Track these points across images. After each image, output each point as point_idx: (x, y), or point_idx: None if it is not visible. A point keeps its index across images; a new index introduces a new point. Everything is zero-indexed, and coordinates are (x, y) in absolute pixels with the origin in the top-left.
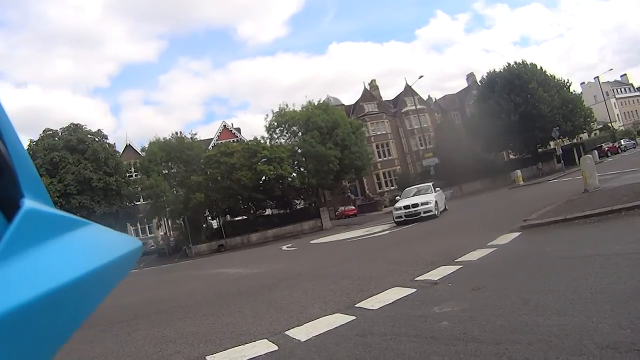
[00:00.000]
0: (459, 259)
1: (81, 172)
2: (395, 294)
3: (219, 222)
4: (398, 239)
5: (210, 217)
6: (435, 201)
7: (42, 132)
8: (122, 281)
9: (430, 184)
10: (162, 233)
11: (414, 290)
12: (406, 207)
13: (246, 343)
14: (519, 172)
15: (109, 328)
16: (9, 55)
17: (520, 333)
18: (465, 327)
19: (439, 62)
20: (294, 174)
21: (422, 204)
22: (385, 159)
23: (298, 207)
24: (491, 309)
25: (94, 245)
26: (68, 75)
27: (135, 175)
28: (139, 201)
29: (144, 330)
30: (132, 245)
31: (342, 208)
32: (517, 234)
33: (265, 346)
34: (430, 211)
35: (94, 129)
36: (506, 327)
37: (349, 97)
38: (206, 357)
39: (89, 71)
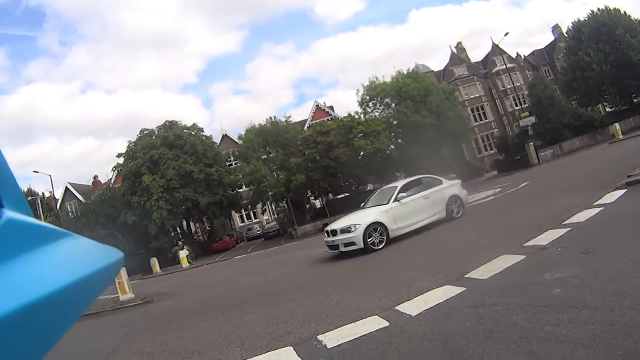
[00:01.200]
0: (566, 222)
1: (182, 166)
2: (504, 261)
3: (322, 201)
4: (502, 205)
5: (312, 197)
6: (372, 224)
7: (139, 132)
8: (232, 266)
9: (425, 177)
10: (266, 217)
11: (523, 257)
12: (332, 232)
13: (357, 320)
14: (617, 125)
15: (221, 313)
16: (95, 65)
17: (635, 298)
18: (577, 293)
19: (520, 17)
20: (392, 147)
21: (343, 230)
22: (481, 122)
23: (399, 179)
24: (603, 273)
25: (75, 256)
26: (156, 76)
27: (235, 164)
28: (241, 188)
29: (255, 313)
30: (113, 257)
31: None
32: (622, 191)
33: (376, 322)
34: (354, 244)
35: (188, 124)
36: (619, 292)
37: (437, 63)
38: (317, 337)
39: (176, 70)
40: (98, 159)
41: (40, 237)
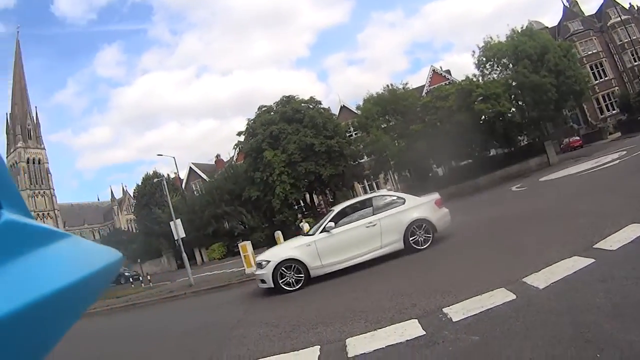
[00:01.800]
0: None
1: (302, 139)
2: (635, 231)
3: (444, 169)
4: (631, 169)
5: (434, 165)
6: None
7: (257, 109)
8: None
9: (378, 196)
10: (388, 187)
11: None
12: (257, 264)
13: (483, 293)
14: None
15: (345, 284)
16: (207, 50)
17: None
18: None
19: None
20: (513, 109)
21: (257, 265)
22: (601, 80)
23: (522, 144)
24: None
25: (73, 257)
26: (268, 54)
27: (355, 134)
28: (362, 159)
29: (379, 284)
30: (111, 258)
31: (567, 140)
32: None
33: (502, 295)
34: (265, 282)
35: (305, 98)
36: None
37: (550, 19)
38: (443, 309)
39: (287, 46)
40: (219, 138)
41: (39, 238)
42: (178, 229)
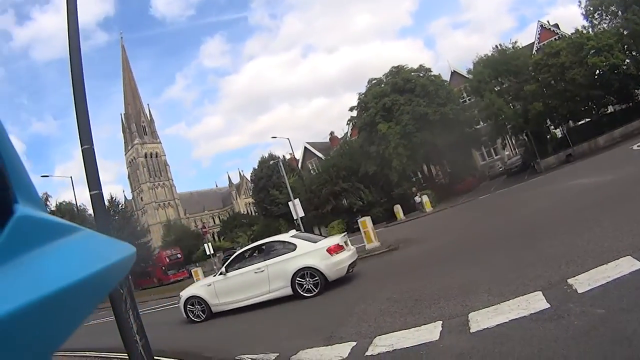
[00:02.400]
0: None
1: (415, 109)
2: None
3: (562, 130)
4: None
5: (552, 127)
6: None
7: (367, 83)
8: (475, 207)
9: (272, 241)
10: (507, 153)
11: None
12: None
13: (608, 262)
14: None
15: (467, 257)
16: (309, 29)
17: None
18: None
19: None
20: (627, 61)
21: (179, 297)
22: None
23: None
24: None
25: (86, 251)
26: (372, 26)
27: (468, 99)
28: (478, 125)
29: (503, 255)
30: (125, 252)
31: None
32: None
33: (628, 264)
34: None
35: (414, 67)
36: None
37: None
38: (567, 280)
39: (389, 15)
40: (331, 116)
41: (53, 232)
42: (297, 209)
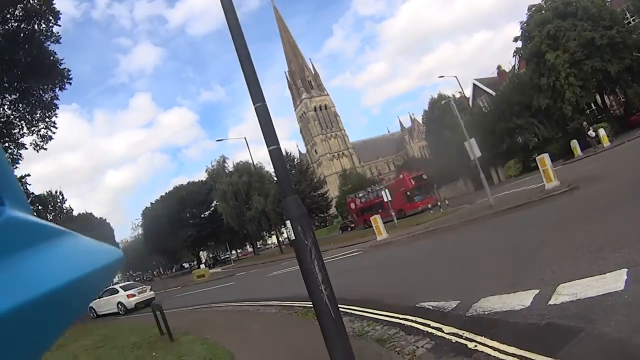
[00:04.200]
0: None
1: (581, 35)
2: None
3: None
4: None
5: None
6: None
7: (527, 11)
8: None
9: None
10: None
11: None
12: None
13: None
14: None
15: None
16: None
17: None
18: None
19: None
20: None
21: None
22: None
23: None
24: None
25: (73, 255)
26: None
27: (632, 20)
28: None
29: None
30: (112, 256)
31: None
32: None
33: None
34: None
35: None
36: None
37: None
38: None
39: None
40: (496, 49)
41: (39, 235)
42: (473, 149)
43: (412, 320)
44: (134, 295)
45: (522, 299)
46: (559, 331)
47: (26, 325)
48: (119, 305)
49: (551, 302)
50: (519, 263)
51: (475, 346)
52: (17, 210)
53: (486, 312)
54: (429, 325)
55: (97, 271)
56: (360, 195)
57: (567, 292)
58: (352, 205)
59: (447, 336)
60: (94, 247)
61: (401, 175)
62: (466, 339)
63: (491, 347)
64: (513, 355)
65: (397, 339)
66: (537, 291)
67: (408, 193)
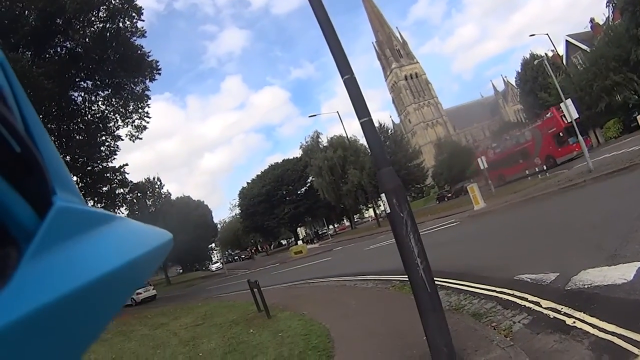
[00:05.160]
0: None
1: None
2: None
3: None
4: None
5: None
6: None
7: None
8: None
9: None
10: None
11: None
12: None
13: None
14: None
15: None
16: None
17: None
18: None
19: None
20: None
21: None
22: None
23: None
24: None
25: (124, 239)
26: None
27: None
28: None
29: None
30: (162, 239)
31: None
32: None
33: None
34: None
35: None
36: None
37: None
38: None
39: None
40: (588, 1)
41: (90, 221)
42: (570, 110)
43: (509, 294)
44: (140, 293)
45: (624, 272)
46: None
47: (79, 311)
48: (131, 299)
49: None
50: (621, 233)
51: (574, 322)
52: (69, 198)
53: (586, 286)
54: (526, 299)
55: (147, 254)
56: (494, 145)
57: None
58: (482, 160)
59: (545, 311)
60: (144, 230)
61: (549, 114)
62: (565, 314)
63: (590, 325)
64: (613, 333)
65: (494, 314)
66: None
67: (560, 134)
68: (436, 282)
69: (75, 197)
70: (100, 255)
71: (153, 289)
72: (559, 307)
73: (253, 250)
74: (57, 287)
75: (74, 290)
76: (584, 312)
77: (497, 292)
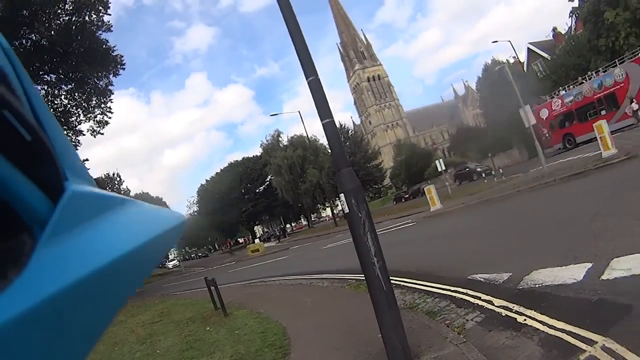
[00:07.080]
0: None
1: None
2: None
3: None
4: None
5: None
6: None
7: None
8: None
9: None
10: None
11: None
12: None
13: None
14: None
15: None
16: None
17: None
18: None
19: None
20: None
21: None
22: None
23: None
24: None
25: (137, 222)
26: None
27: None
28: None
29: None
30: (175, 221)
31: None
32: None
33: None
34: None
35: None
36: None
37: None
38: None
39: None
40: (551, 10)
41: (103, 205)
42: (528, 116)
43: (463, 293)
44: None
45: (574, 273)
46: (611, 308)
47: (95, 294)
48: None
49: (604, 277)
50: (573, 235)
51: (525, 320)
52: (80, 183)
53: (537, 286)
54: (479, 298)
55: (160, 236)
56: (563, 94)
57: (622, 267)
58: (546, 113)
59: (497, 309)
60: (157, 212)
61: None
62: (516, 312)
63: (540, 322)
64: (562, 330)
65: (448, 312)
66: (590, 265)
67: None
68: (392, 281)
69: (87, 181)
70: (114, 238)
71: None
72: (510, 305)
73: (230, 245)
74: (72, 271)
75: (89, 274)
76: (534, 310)
77: (452, 291)
